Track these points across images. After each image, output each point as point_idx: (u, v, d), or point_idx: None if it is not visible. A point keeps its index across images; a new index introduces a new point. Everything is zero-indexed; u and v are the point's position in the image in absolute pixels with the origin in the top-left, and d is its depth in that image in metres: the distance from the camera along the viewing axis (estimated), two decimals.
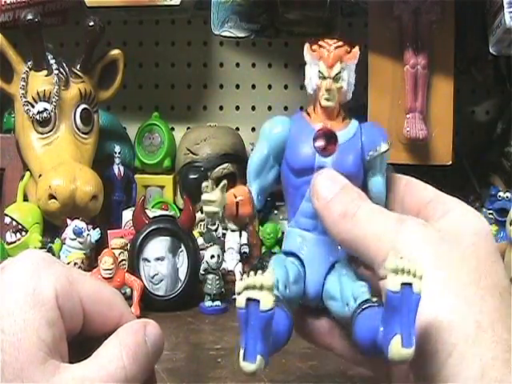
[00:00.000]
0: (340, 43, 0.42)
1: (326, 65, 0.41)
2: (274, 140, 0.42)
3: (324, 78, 0.41)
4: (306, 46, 0.42)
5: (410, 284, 0.32)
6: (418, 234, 0.37)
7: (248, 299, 0.31)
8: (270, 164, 0.42)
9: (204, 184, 0.40)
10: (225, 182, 0.41)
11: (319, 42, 0.42)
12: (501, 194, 0.90)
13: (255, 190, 0.42)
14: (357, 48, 0.42)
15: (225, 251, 0.81)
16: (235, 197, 0.41)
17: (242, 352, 0.32)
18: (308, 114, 0.43)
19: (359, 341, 0.37)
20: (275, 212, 0.89)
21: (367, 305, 0.37)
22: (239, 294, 0.31)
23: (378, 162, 0.42)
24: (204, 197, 0.39)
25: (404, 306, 0.32)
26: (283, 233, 0.84)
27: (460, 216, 0.39)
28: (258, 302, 0.31)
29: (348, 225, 0.38)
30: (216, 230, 0.85)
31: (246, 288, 0.31)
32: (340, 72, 0.41)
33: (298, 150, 0.41)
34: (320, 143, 0.41)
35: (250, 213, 0.42)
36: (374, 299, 0.37)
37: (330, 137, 0.41)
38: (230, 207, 0.41)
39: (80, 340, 0.35)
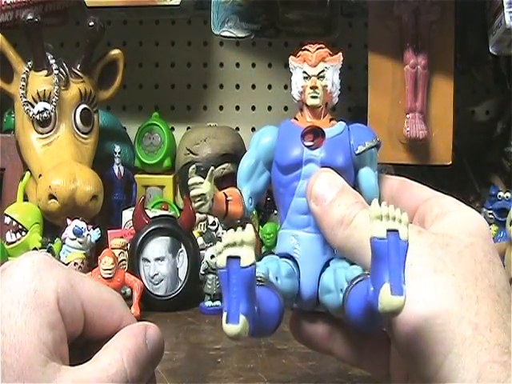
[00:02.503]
0: (322, 45, 0.43)
1: (310, 64, 0.42)
2: (263, 148, 0.43)
3: (309, 77, 0.42)
4: (291, 57, 0.44)
5: (397, 231, 0.31)
6: (413, 241, 0.36)
7: (228, 257, 0.30)
8: (259, 169, 0.43)
9: (190, 169, 0.40)
10: (212, 168, 0.41)
11: (302, 47, 0.43)
12: (501, 193, 0.90)
13: (246, 194, 0.43)
14: (340, 54, 0.43)
15: None
16: (226, 196, 0.42)
17: (224, 315, 0.31)
18: (296, 119, 0.44)
19: (352, 314, 0.36)
20: (275, 212, 0.89)
21: (359, 279, 0.36)
22: (220, 253, 0.30)
23: (368, 157, 0.42)
24: (191, 180, 0.40)
25: (391, 252, 0.31)
26: None
27: (457, 217, 0.39)
28: (239, 258, 0.30)
29: (345, 232, 0.38)
30: (216, 230, 0.85)
31: (227, 246, 0.30)
32: (324, 71, 0.42)
33: (286, 148, 0.42)
34: (308, 137, 0.41)
35: (240, 212, 0.42)
36: (366, 272, 0.36)
37: (317, 131, 0.42)
38: (220, 202, 0.41)
39: (80, 343, 0.35)
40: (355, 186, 0.42)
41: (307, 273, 0.41)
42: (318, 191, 0.40)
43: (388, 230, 0.31)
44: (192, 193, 0.39)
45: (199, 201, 0.40)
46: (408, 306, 0.34)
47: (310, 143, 0.41)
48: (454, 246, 0.37)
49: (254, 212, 0.88)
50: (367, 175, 0.42)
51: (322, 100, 0.42)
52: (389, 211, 0.32)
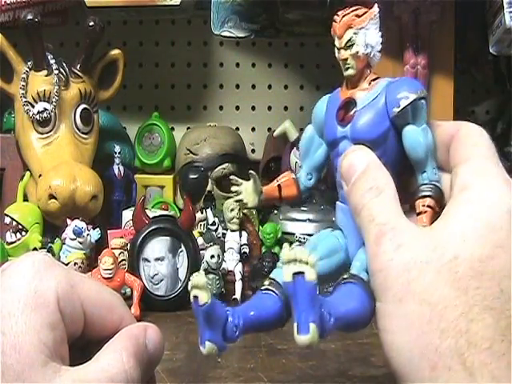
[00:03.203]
0: (349, 10, 0.42)
1: (337, 36, 0.42)
2: (315, 120, 0.44)
3: (339, 49, 0.42)
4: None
5: (303, 273, 0.33)
6: (390, 260, 0.35)
7: (194, 297, 0.36)
8: (316, 143, 0.44)
9: (232, 176, 0.44)
10: (253, 173, 0.44)
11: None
12: None
13: (304, 169, 0.45)
14: (369, 12, 0.42)
15: (225, 251, 0.81)
16: (276, 181, 0.44)
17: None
18: (341, 87, 0.43)
19: None
20: (275, 212, 0.89)
21: (343, 281, 0.38)
22: (189, 293, 0.36)
23: (410, 113, 0.39)
24: (233, 188, 0.44)
25: (298, 294, 0.34)
26: (283, 233, 0.84)
27: (467, 200, 0.36)
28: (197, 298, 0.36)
29: (357, 220, 0.38)
30: (216, 230, 0.85)
31: (192, 288, 0.36)
32: (351, 39, 0.41)
33: (327, 124, 0.42)
34: (340, 114, 0.41)
35: (295, 194, 0.44)
36: (346, 275, 0.38)
37: (348, 106, 0.41)
38: (270, 192, 0.44)
39: (81, 343, 0.35)
40: (399, 146, 0.40)
41: (351, 243, 0.41)
42: (343, 173, 0.40)
43: (294, 273, 0.34)
44: (235, 198, 0.44)
45: (241, 203, 0.44)
46: (382, 335, 0.35)
47: (342, 120, 0.41)
48: (433, 263, 0.34)
49: (254, 212, 0.88)
50: (411, 133, 0.39)
51: (355, 68, 0.41)
52: (296, 255, 0.34)
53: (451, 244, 0.34)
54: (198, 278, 0.36)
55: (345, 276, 0.38)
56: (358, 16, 0.41)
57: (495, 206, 0.35)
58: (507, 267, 0.34)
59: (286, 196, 0.44)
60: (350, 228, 0.41)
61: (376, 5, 0.42)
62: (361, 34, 0.41)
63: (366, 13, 0.42)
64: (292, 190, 0.44)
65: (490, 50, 0.78)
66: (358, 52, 0.41)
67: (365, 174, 0.38)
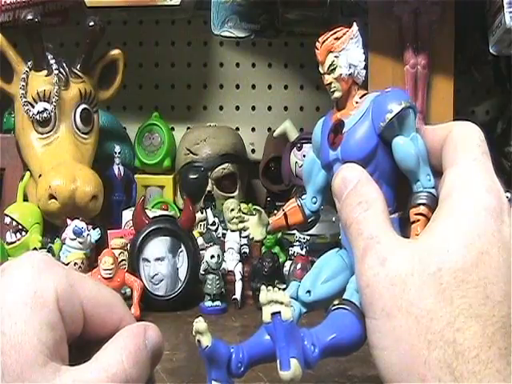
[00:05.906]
0: (328, 34, 0.42)
1: (320, 62, 0.42)
2: (314, 144, 0.44)
3: (323, 75, 0.42)
4: None
5: (279, 312, 0.35)
6: (375, 275, 0.35)
7: (198, 341, 0.38)
8: (317, 166, 0.44)
9: (237, 213, 0.47)
10: (258, 208, 0.44)
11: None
12: None
13: (309, 194, 0.45)
14: (351, 28, 0.42)
15: (225, 251, 0.81)
16: (283, 210, 0.45)
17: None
18: (332, 109, 0.43)
19: None
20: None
21: (335, 307, 0.39)
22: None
23: (396, 126, 0.39)
24: (240, 225, 0.47)
25: (277, 333, 0.36)
26: (283, 233, 0.84)
27: (449, 210, 0.36)
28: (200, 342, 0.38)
29: (347, 235, 0.39)
30: (216, 230, 0.85)
31: (195, 332, 0.38)
32: (333, 62, 0.41)
33: (322, 148, 0.42)
34: (330, 137, 0.42)
35: (301, 220, 0.45)
36: (336, 301, 0.39)
37: (337, 129, 0.41)
38: (277, 223, 0.46)
39: (80, 343, 0.35)
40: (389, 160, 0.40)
41: (352, 260, 0.41)
42: (335, 191, 0.40)
43: (272, 314, 0.36)
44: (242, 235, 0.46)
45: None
46: (373, 352, 0.36)
47: (332, 143, 0.41)
48: (418, 276, 0.34)
49: (254, 212, 0.88)
50: (400, 145, 0.39)
51: (341, 90, 0.42)
52: (272, 296, 0.36)
53: (435, 255, 0.34)
54: (199, 324, 0.38)
55: (335, 302, 0.39)
56: (338, 38, 0.42)
57: (478, 213, 0.35)
58: (493, 273, 0.34)
59: (293, 223, 0.45)
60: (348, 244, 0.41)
61: (355, 23, 0.42)
62: (342, 56, 0.41)
63: (345, 34, 0.42)
64: (298, 217, 0.45)
65: (490, 50, 0.78)
66: (341, 74, 0.41)
67: (355, 190, 0.39)
